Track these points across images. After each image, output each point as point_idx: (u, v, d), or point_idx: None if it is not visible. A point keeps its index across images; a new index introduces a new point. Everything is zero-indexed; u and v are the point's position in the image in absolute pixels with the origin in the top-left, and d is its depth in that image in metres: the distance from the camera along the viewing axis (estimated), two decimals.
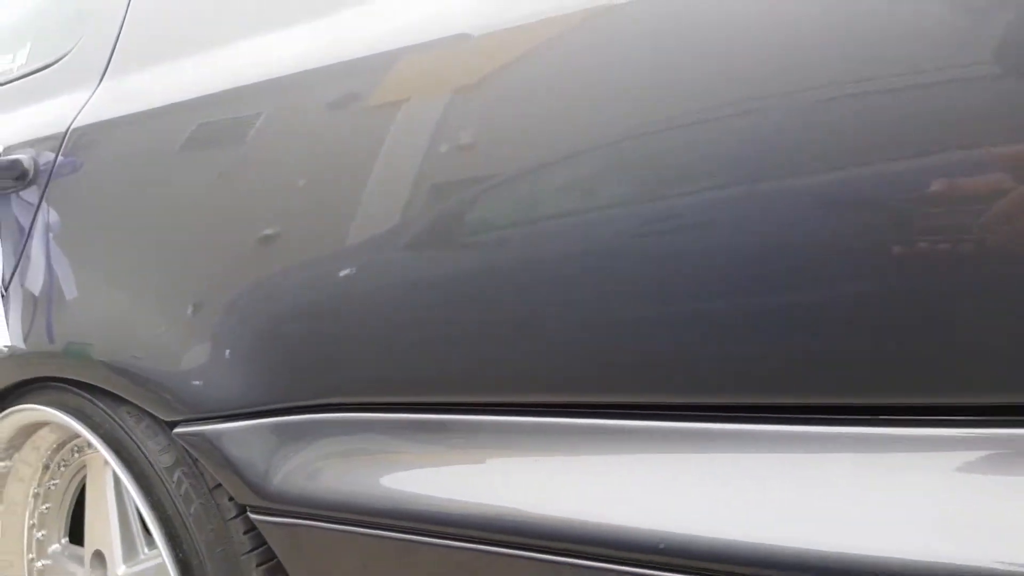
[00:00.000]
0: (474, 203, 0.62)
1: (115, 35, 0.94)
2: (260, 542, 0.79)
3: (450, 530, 0.64)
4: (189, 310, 0.80)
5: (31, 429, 1.03)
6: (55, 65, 1.02)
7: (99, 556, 1.01)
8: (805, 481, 0.52)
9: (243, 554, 0.79)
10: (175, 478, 0.81)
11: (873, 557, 0.47)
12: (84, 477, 1.07)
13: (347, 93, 0.70)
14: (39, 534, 1.11)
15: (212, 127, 0.80)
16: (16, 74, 1.09)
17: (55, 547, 1.11)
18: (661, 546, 0.53)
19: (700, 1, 0.53)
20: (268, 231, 0.74)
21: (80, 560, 1.05)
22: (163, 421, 0.82)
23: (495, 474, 0.65)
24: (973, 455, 0.49)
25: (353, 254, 0.69)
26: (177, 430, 0.81)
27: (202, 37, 0.85)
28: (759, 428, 0.54)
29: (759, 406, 0.54)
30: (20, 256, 0.98)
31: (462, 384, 0.66)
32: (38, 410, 0.95)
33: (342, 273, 0.69)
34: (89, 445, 0.99)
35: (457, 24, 0.64)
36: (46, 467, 1.09)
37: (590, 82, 0.56)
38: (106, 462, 0.95)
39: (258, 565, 0.79)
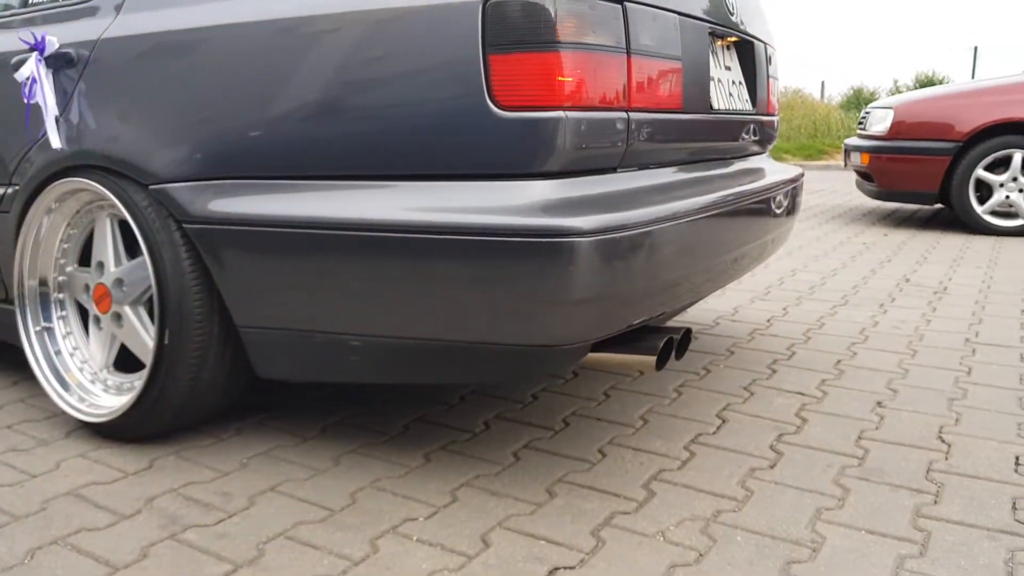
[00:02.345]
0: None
1: None
2: (189, 240, 1.71)
3: (269, 229, 1.59)
4: (153, 132, 1.72)
5: (71, 193, 1.92)
6: (92, 1, 1.90)
7: (100, 264, 1.91)
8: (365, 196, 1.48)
9: (180, 245, 1.71)
10: (149, 211, 1.73)
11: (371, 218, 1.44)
12: (91, 230, 1.96)
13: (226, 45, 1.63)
14: (61, 261, 2.01)
15: (169, 48, 1.71)
16: (71, 3, 1.97)
17: (70, 268, 2.02)
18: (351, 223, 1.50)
19: None
20: (195, 94, 1.66)
21: (85, 273, 1.96)
22: (143, 184, 1.74)
23: (300, 200, 1.59)
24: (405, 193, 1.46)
25: (237, 117, 1.62)
26: (150, 187, 1.73)
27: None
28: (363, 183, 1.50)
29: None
30: (65, 104, 1.87)
31: (281, 166, 1.61)
32: (78, 180, 1.85)
33: (227, 123, 1.62)
34: (100, 207, 1.90)
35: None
36: (68, 223, 1.99)
37: None
38: (107, 216, 1.87)
39: (185, 250, 1.72)
